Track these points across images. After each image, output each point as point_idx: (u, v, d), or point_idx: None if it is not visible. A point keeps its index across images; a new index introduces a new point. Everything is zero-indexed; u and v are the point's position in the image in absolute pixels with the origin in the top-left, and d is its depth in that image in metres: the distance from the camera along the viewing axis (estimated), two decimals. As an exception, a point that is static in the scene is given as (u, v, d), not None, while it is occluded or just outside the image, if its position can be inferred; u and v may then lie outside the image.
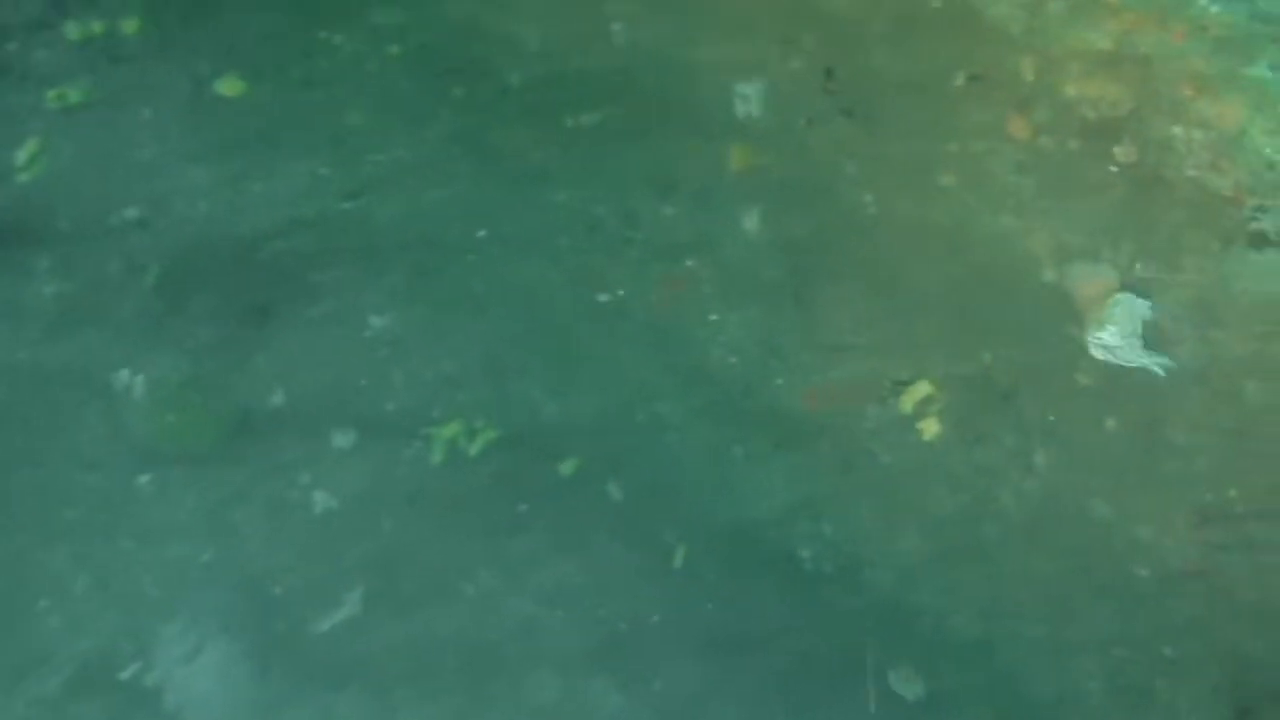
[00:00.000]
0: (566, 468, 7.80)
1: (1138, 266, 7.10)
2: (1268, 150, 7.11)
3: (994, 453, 7.72)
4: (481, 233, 7.96)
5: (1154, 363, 7.02)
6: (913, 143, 7.54)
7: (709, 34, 7.76)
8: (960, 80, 7.35)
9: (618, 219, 7.94)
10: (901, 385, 7.80)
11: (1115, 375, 7.50)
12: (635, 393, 7.83)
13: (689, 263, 7.84)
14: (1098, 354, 7.13)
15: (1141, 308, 7.06)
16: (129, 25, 7.90)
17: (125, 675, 6.92)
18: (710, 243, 7.89)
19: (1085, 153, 7.24)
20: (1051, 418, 7.63)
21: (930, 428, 7.77)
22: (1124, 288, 7.18)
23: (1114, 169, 7.16)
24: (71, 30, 7.83)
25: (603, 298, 7.86)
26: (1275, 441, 7.25)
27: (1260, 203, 6.96)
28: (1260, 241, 6.96)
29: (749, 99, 7.73)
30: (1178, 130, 7.17)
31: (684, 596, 7.65)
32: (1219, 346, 7.11)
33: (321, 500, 7.55)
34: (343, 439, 7.65)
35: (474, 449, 7.73)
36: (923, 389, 7.80)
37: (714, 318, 7.83)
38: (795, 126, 7.68)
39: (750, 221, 7.91)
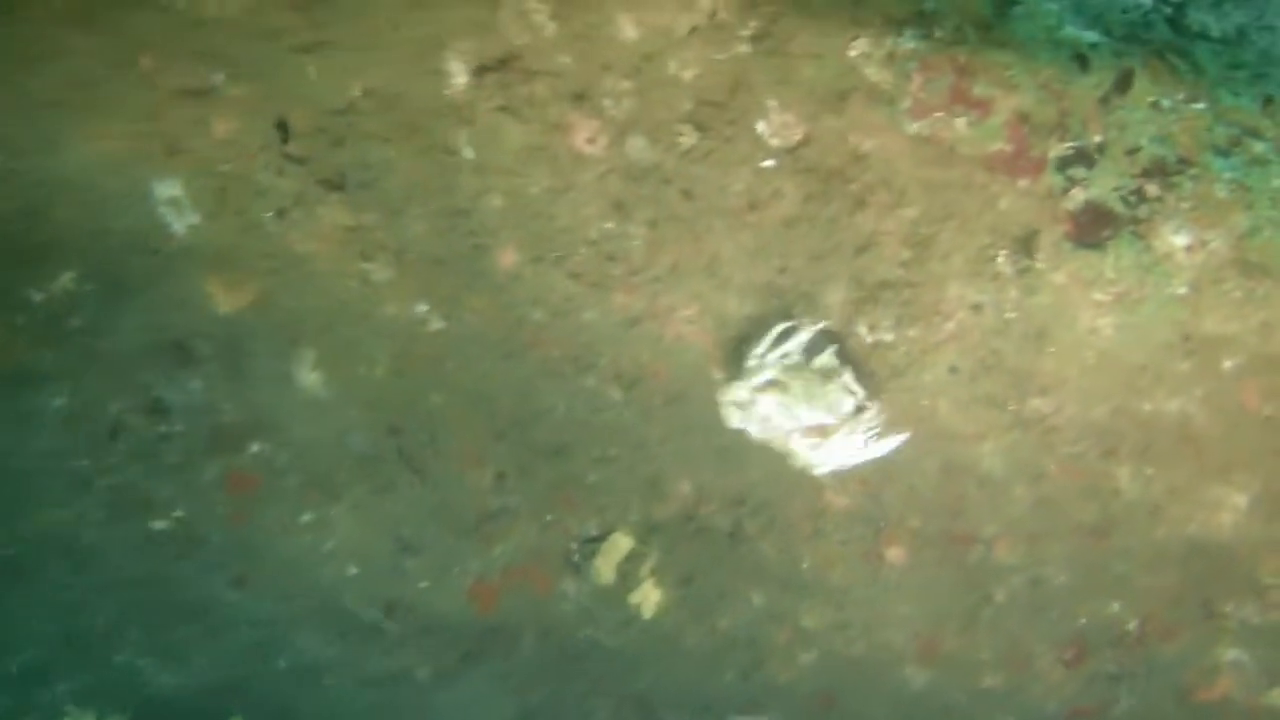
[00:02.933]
0: (230, 732, 5.04)
1: (862, 329, 3.20)
2: (1072, 30, 2.82)
3: (743, 616, 4.25)
4: (-30, 481, 4.77)
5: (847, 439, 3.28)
6: (440, 205, 3.60)
7: (72, 116, 3.78)
8: (461, 78, 3.26)
9: (140, 412, 4.52)
10: (592, 544, 4.31)
11: (882, 487, 3.75)
12: (261, 636, 4.79)
13: (254, 449, 4.42)
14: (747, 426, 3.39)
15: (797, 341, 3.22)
16: None
17: None
18: (270, 416, 4.39)
19: (711, 149, 3.21)
20: (806, 563, 4.02)
21: (650, 598, 4.33)
22: (848, 364, 3.31)
23: (769, 163, 3.14)
24: None
25: (159, 525, 4.62)
26: (1163, 539, 3.49)
27: (1077, 144, 2.82)
28: (1098, 226, 2.86)
29: (180, 204, 3.87)
30: (860, 48, 2.98)
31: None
32: (1049, 424, 3.26)
33: (-37, 847, 5.28)
34: (-52, 768, 5.30)
35: (99, 743, 5.10)
36: (621, 545, 4.30)
37: (309, 517, 4.47)
38: (263, 225, 3.82)
39: (306, 375, 4.30)
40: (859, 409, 3.11)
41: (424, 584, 4.60)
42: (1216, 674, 3.77)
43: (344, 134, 3.46)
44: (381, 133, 3.39)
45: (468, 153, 3.32)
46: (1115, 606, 3.73)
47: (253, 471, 4.57)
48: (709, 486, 4.02)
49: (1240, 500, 3.15)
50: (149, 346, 4.44)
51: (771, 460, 3.78)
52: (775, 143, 3.06)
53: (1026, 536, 3.61)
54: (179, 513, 4.72)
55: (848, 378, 3.06)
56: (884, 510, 3.75)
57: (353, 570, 4.64)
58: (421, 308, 3.84)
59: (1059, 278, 2.77)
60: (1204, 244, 2.58)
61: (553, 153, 3.24)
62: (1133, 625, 3.74)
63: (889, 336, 3.11)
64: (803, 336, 3.09)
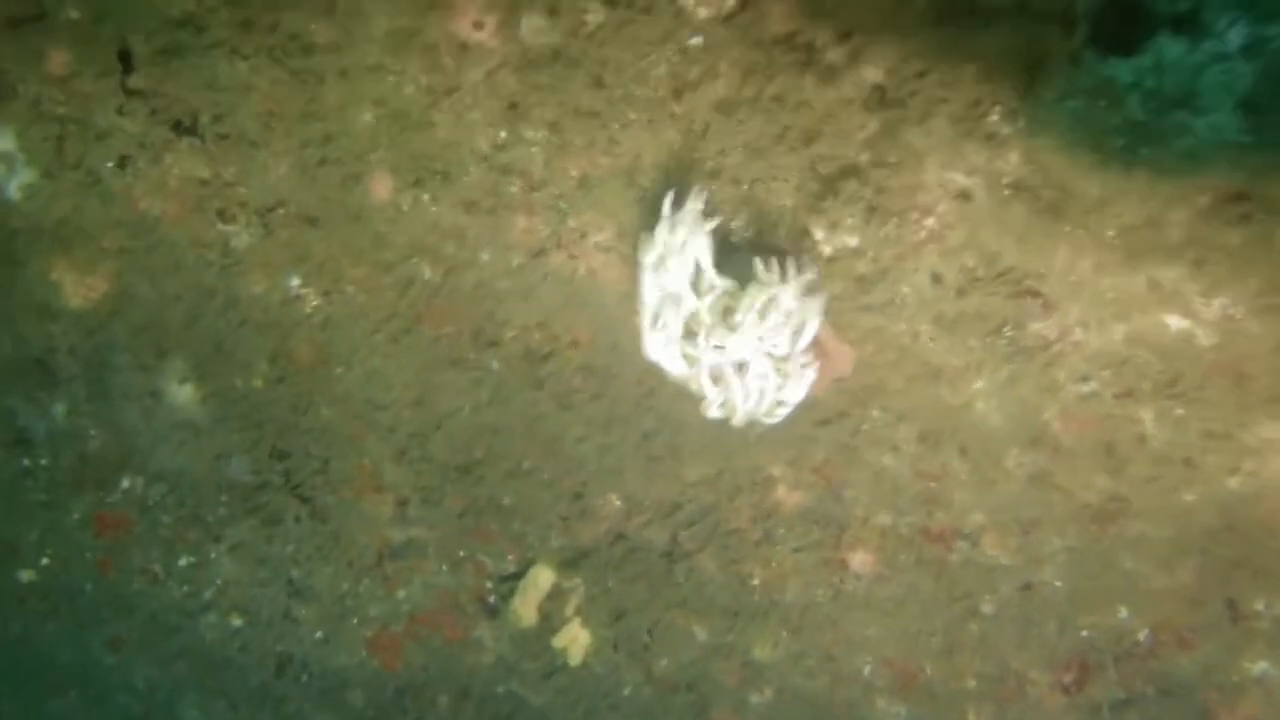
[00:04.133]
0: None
1: (819, 232, 2.22)
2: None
3: (683, 654, 3.18)
4: None
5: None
6: (303, 133, 2.63)
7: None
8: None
9: (2, 445, 3.47)
10: (509, 582, 3.25)
11: (844, 472, 2.75)
12: (143, 707, 3.66)
13: (125, 484, 3.36)
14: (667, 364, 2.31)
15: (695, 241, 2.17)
16: None
17: None
18: (140, 443, 3.34)
19: (625, 24, 2.26)
20: (755, 579, 2.99)
21: (577, 640, 3.25)
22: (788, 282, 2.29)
23: (695, 40, 2.19)
24: None
25: (27, 576, 3.52)
26: (1186, 513, 2.47)
27: None
28: (1126, 24, 1.87)
29: (11, 160, 2.80)
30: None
31: None
32: (1054, 352, 2.27)
33: None
34: None
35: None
36: (542, 580, 3.24)
37: (187, 561, 3.39)
38: (105, 181, 2.76)
39: (176, 390, 3.28)
40: (794, 335, 2.15)
41: (319, 635, 3.51)
42: (1240, 692, 2.77)
43: (189, 49, 2.53)
44: (230, 40, 2.47)
45: (329, 54, 2.40)
46: (1123, 613, 2.72)
47: (124, 509, 3.52)
48: (639, 495, 3.01)
49: (1297, 438, 2.20)
50: (7, 365, 3.43)
51: (708, 443, 2.80)
52: (703, 13, 2.18)
53: (1019, 526, 2.62)
54: (47, 560, 3.64)
55: (787, 299, 2.11)
56: (845, 505, 2.76)
57: (237, 622, 3.54)
58: (293, 282, 2.85)
59: (1075, 105, 1.85)
60: (1266, 41, 1.70)
61: (430, 42, 2.32)
62: (1143, 635, 2.73)
63: (853, 240, 2.17)
64: (737, 251, 2.15)
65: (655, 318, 2.05)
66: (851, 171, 2.03)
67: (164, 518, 3.39)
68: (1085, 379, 2.16)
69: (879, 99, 1.97)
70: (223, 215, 2.67)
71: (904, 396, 2.32)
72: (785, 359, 2.12)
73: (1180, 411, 2.15)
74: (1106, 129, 1.75)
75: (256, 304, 2.84)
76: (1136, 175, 1.81)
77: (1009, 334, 2.10)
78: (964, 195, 1.99)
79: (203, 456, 3.27)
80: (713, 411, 2.23)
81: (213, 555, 3.38)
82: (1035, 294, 2.07)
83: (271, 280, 2.76)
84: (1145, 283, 1.99)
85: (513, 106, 2.24)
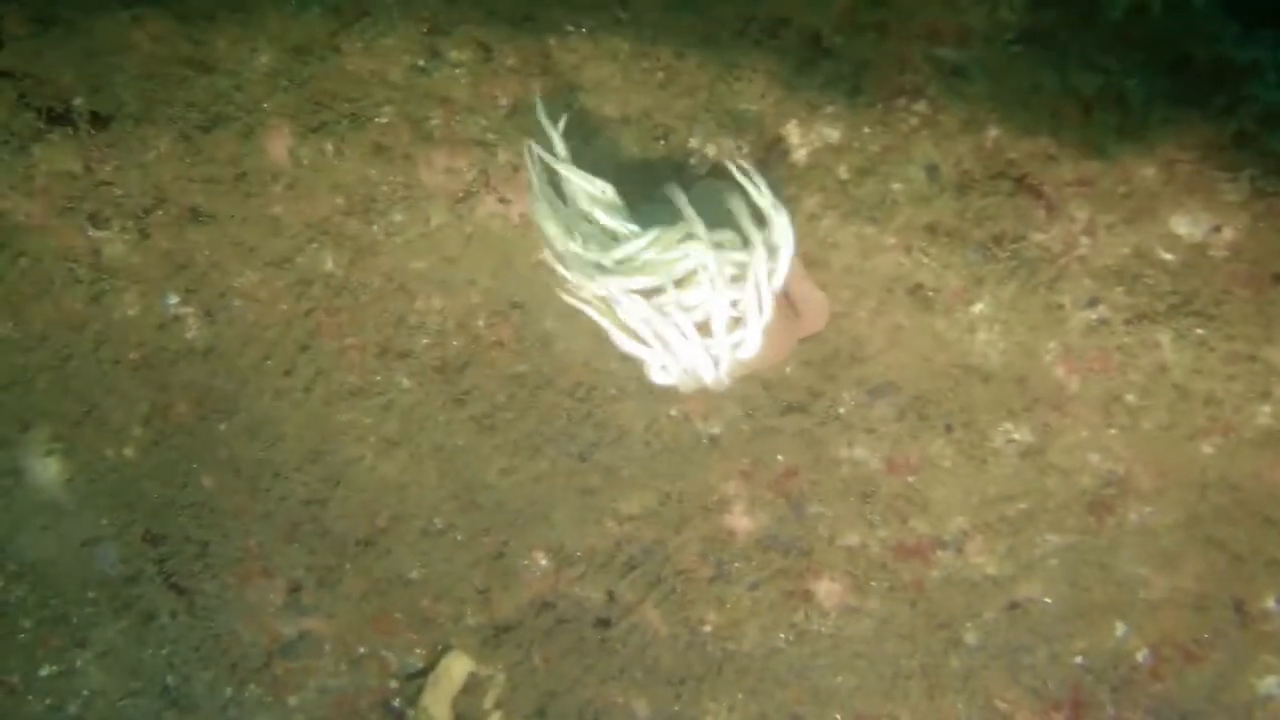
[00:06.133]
0: None
1: (792, 130, 1.49)
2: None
3: (627, 746, 2.16)
4: None
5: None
6: (192, 95, 1.85)
7: None
8: None
9: None
10: (417, 679, 2.24)
11: (806, 483, 1.95)
12: None
13: None
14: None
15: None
16: None
17: None
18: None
19: None
20: (708, 624, 2.07)
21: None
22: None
23: None
24: None
25: None
26: (1183, 493, 1.67)
27: None
28: None
29: None
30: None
31: None
32: (1065, 261, 1.52)
33: None
34: None
35: None
36: (455, 671, 2.23)
37: (49, 670, 2.28)
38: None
39: (42, 467, 2.30)
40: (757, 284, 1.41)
41: (196, 750, 2.43)
42: (1250, 714, 1.99)
43: (66, 15, 1.82)
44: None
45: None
46: (1120, 629, 1.95)
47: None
48: (570, 545, 2.16)
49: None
50: None
51: (652, 456, 2.00)
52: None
53: (1008, 525, 1.88)
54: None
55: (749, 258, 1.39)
56: (808, 525, 1.98)
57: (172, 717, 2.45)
58: (172, 301, 2.03)
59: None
60: None
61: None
62: (1142, 655, 1.94)
63: (834, 133, 1.53)
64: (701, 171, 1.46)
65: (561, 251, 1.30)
66: (829, 50, 1.39)
67: (23, 621, 2.35)
68: (1093, 303, 1.50)
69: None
70: (94, 218, 1.86)
71: (887, 354, 1.60)
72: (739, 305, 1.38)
73: (1200, 331, 1.49)
74: None
75: (130, 334, 1.99)
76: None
77: (1011, 246, 1.44)
78: (959, 71, 1.37)
79: (68, 544, 2.28)
80: (656, 375, 1.46)
81: (78, 663, 2.33)
82: (1038, 194, 1.43)
83: (146, 298, 1.93)
84: (1160, 167, 1.36)
85: (433, 28, 1.56)
